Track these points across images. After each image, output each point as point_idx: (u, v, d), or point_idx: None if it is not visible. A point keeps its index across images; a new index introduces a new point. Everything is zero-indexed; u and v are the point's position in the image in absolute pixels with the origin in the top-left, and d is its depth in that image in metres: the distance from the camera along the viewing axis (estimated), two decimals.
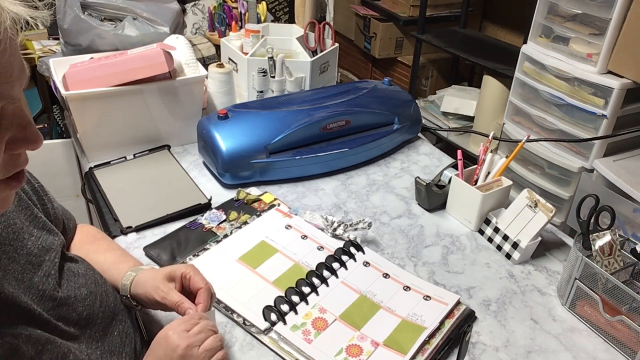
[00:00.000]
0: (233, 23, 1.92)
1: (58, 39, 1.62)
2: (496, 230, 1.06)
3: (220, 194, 1.17)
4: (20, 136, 0.52)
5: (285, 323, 0.84)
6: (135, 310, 0.82)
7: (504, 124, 2.02)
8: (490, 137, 1.16)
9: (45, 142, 1.77)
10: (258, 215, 1.09)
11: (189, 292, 0.75)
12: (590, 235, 0.91)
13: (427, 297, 0.91)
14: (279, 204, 1.14)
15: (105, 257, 0.82)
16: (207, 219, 1.08)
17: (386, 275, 0.96)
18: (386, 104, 1.36)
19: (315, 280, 0.92)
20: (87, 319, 0.69)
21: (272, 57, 1.40)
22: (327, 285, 0.92)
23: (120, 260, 0.82)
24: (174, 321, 0.68)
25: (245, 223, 1.07)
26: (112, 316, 0.73)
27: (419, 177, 1.16)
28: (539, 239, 1.02)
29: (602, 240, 0.90)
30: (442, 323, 0.86)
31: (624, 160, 1.66)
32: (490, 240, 1.08)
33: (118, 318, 0.74)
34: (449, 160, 1.37)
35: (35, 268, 0.66)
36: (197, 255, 0.98)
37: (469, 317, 0.89)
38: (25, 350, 0.57)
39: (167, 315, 0.86)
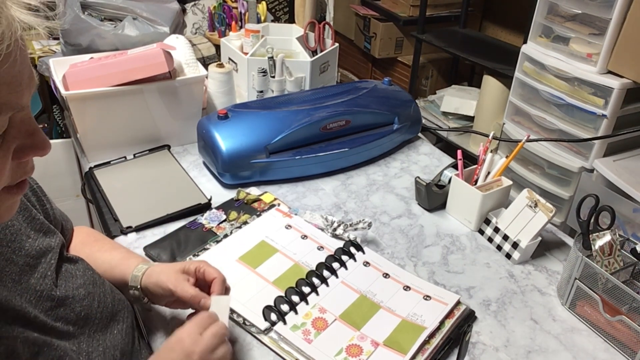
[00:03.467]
0: (233, 23, 1.92)
1: (58, 39, 1.63)
2: (496, 230, 1.06)
3: (220, 194, 1.17)
4: (29, 143, 0.52)
5: (285, 323, 0.84)
6: (139, 305, 0.82)
7: (504, 124, 2.02)
8: (490, 137, 1.16)
9: None
10: (258, 215, 1.09)
11: (203, 286, 0.76)
12: (590, 235, 0.91)
13: (427, 297, 0.91)
14: (279, 204, 1.14)
15: (112, 254, 0.83)
16: (207, 219, 1.08)
17: (386, 275, 0.96)
18: (386, 104, 1.36)
19: (315, 280, 0.92)
20: (85, 319, 0.69)
21: (272, 57, 1.40)
22: (327, 285, 0.92)
23: (129, 256, 0.84)
24: (186, 325, 0.69)
25: (245, 223, 1.07)
26: (110, 316, 0.73)
27: (419, 177, 1.16)
28: (539, 239, 1.02)
29: (602, 240, 0.90)
30: (442, 323, 0.86)
31: (624, 160, 1.66)
32: (490, 240, 1.08)
33: (117, 318, 0.74)
34: (449, 160, 1.36)
35: (32, 270, 0.65)
36: (197, 255, 0.98)
37: (469, 317, 0.89)
38: (22, 353, 0.57)
39: (169, 314, 0.86)
